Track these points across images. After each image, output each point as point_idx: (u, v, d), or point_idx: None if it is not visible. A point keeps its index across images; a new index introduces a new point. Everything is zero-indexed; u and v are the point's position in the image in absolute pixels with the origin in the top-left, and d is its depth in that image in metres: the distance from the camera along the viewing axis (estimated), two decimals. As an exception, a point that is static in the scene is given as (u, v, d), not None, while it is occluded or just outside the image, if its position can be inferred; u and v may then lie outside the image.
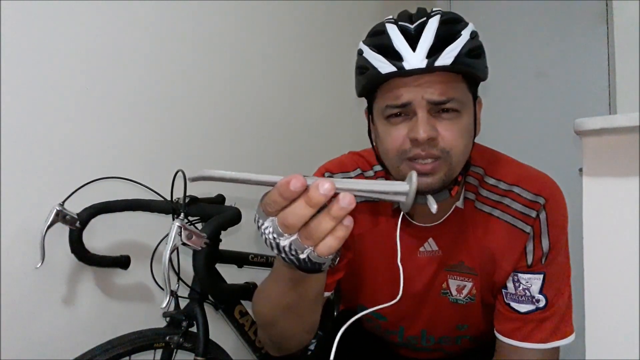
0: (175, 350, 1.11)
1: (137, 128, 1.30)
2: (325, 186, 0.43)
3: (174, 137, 1.39)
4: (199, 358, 1.08)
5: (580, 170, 0.81)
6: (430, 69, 0.73)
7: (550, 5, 2.37)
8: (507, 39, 2.46)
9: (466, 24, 0.78)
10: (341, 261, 0.91)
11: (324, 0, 1.96)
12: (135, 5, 1.29)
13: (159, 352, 1.09)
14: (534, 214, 0.84)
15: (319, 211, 0.46)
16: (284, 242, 0.49)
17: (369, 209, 0.92)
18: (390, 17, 0.81)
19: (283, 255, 0.50)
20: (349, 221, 0.46)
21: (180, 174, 1.04)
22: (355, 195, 0.45)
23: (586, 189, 0.79)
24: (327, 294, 0.89)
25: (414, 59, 0.73)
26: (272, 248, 0.51)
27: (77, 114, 1.17)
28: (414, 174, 0.50)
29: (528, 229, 0.85)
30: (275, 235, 0.49)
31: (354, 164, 0.95)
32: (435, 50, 0.73)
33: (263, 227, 0.49)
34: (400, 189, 0.48)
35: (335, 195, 0.45)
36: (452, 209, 0.88)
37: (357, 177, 0.93)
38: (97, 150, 1.21)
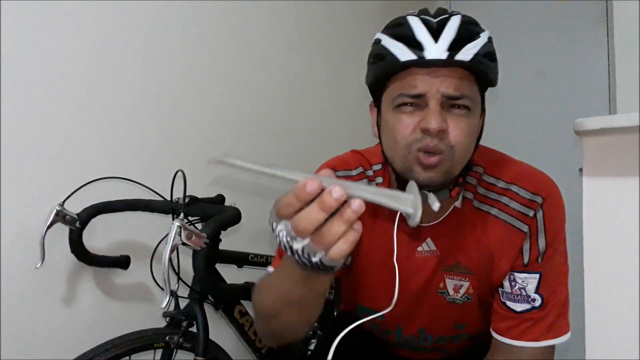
0: (175, 350, 1.11)
1: (137, 128, 1.30)
2: (337, 192, 0.46)
3: (174, 137, 1.39)
4: (199, 358, 1.08)
5: (580, 170, 0.81)
6: (449, 62, 0.74)
7: (551, 5, 2.37)
8: (507, 39, 2.45)
9: (483, 29, 0.80)
10: None
11: (325, 0, 1.96)
12: (134, 5, 1.29)
13: (159, 352, 1.09)
14: (531, 213, 0.84)
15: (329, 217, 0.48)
16: (297, 246, 0.51)
17: (367, 209, 0.92)
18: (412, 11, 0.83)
19: (296, 257, 0.52)
20: (358, 225, 0.49)
21: (180, 174, 1.04)
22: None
23: (586, 189, 0.79)
24: None
25: (436, 50, 0.74)
26: (286, 250, 0.53)
27: (77, 114, 1.17)
28: (418, 198, 0.50)
29: (525, 228, 0.85)
30: (289, 239, 0.51)
31: (357, 162, 0.96)
32: (456, 45, 0.75)
33: (277, 230, 0.52)
34: (404, 209, 0.50)
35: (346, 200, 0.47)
36: (450, 209, 0.88)
37: (358, 175, 0.94)
38: (97, 150, 1.21)
